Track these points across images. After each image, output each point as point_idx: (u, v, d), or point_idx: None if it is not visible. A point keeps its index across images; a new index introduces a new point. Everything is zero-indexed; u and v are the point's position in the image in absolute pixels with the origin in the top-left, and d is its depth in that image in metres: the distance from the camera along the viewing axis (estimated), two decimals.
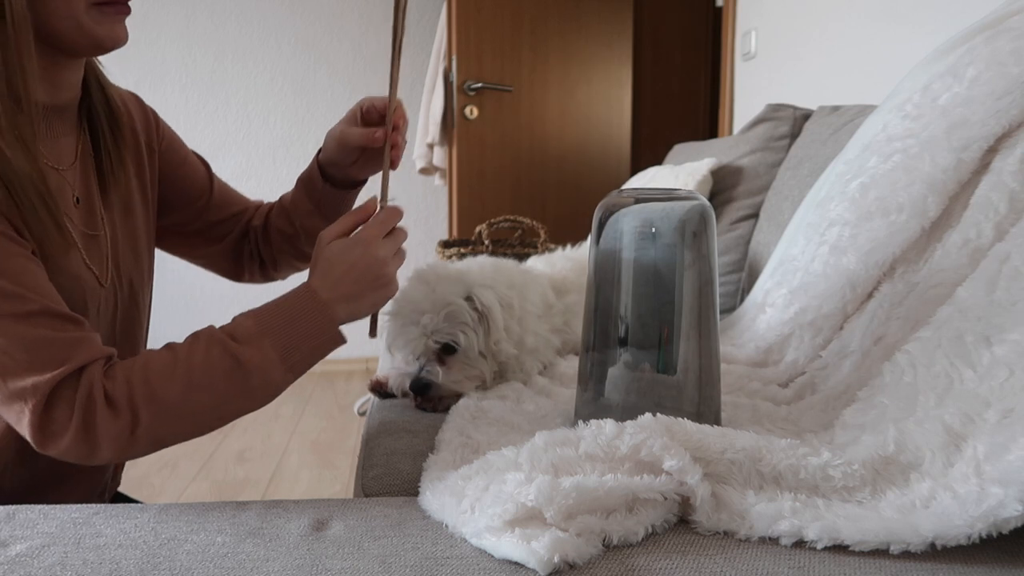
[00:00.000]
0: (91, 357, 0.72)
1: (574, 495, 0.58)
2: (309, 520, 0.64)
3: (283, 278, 1.14)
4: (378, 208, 0.86)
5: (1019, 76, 0.89)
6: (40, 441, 0.70)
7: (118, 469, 1.01)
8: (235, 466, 2.52)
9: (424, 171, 3.51)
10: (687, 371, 0.80)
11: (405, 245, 0.87)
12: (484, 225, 2.34)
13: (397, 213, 0.85)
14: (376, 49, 3.69)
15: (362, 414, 2.94)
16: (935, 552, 0.56)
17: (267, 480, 2.41)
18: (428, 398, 1.02)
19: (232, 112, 3.61)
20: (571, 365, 1.15)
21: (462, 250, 2.34)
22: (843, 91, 2.03)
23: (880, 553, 0.56)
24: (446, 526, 0.62)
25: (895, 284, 0.96)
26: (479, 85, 3.19)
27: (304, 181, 1.04)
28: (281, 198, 1.09)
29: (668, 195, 0.85)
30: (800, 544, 0.58)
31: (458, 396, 1.01)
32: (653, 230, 0.80)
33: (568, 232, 2.13)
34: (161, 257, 1.03)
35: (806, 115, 1.80)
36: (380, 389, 1.12)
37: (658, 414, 0.68)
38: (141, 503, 0.84)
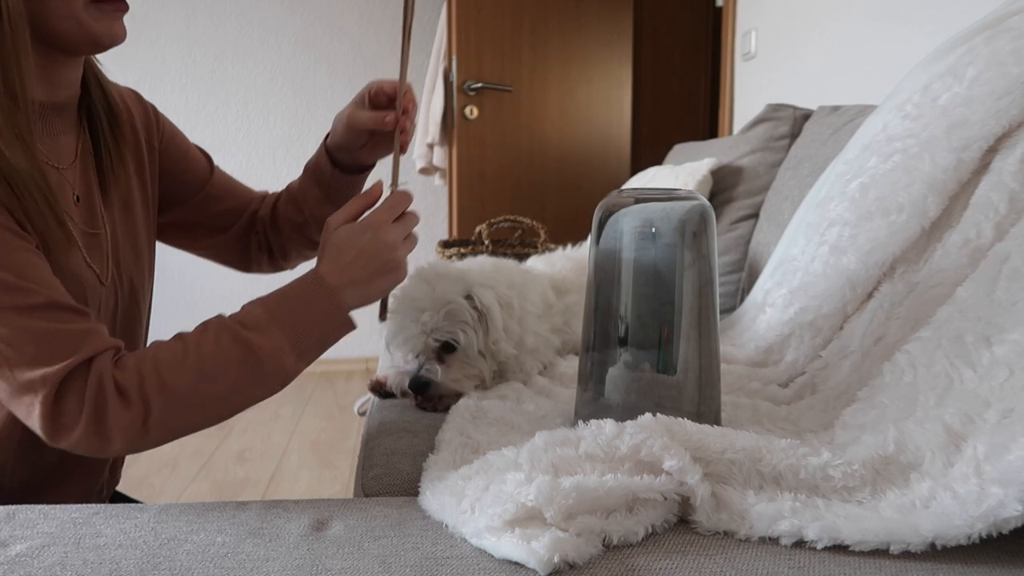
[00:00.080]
0: (99, 348, 0.71)
1: (574, 495, 0.58)
2: (309, 520, 0.64)
3: (292, 267, 1.14)
4: (388, 192, 0.85)
5: (1019, 76, 0.89)
6: (51, 434, 0.70)
7: (116, 465, 1.01)
8: (235, 466, 2.52)
9: (424, 171, 3.51)
10: (687, 371, 0.80)
11: (416, 230, 0.86)
12: (484, 225, 2.34)
13: (407, 197, 0.84)
14: (376, 49, 3.69)
15: (362, 414, 2.94)
16: (935, 552, 0.56)
17: (267, 480, 2.41)
18: (427, 397, 1.02)
19: (232, 112, 3.61)
20: (571, 365, 1.15)
21: (462, 250, 2.34)
22: (843, 91, 2.03)
23: (880, 553, 0.56)
24: (446, 526, 0.62)
25: (895, 284, 0.96)
26: (479, 85, 3.19)
27: (311, 168, 1.03)
28: (288, 187, 1.09)
29: (668, 195, 0.85)
30: (800, 544, 0.58)
31: (458, 396, 1.01)
32: (653, 230, 0.80)
33: (568, 232, 2.13)
34: (161, 256, 1.03)
35: (806, 115, 1.80)
36: (380, 389, 1.12)
37: (658, 414, 0.68)
38: (141, 503, 0.84)
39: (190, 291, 3.45)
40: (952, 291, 0.79)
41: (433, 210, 3.79)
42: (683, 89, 3.94)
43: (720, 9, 3.02)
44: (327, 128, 1.02)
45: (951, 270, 0.84)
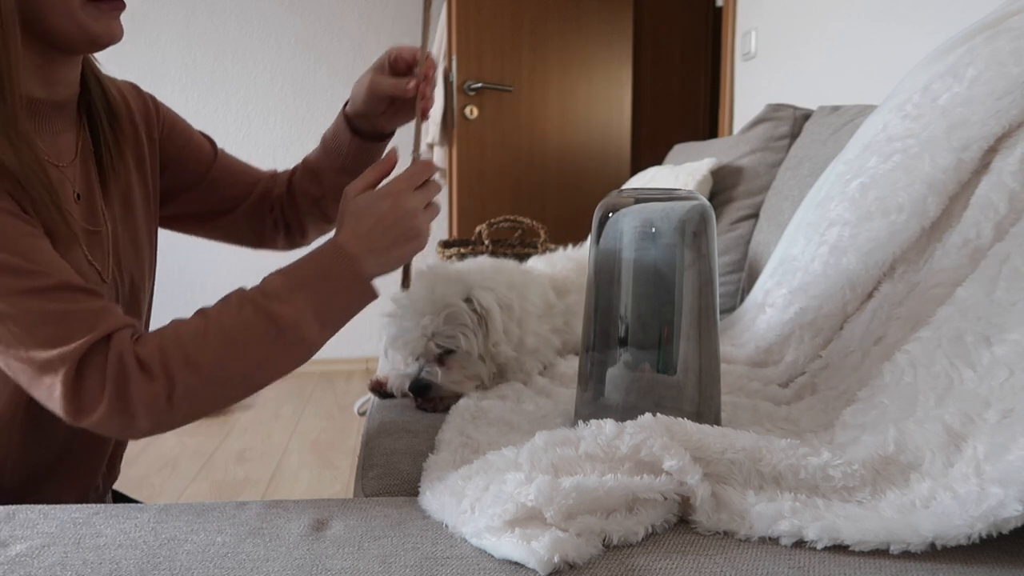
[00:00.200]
0: (117, 325, 0.71)
1: (574, 495, 0.58)
2: (309, 520, 0.64)
3: (308, 243, 1.13)
4: (399, 160, 0.84)
5: (1019, 76, 0.89)
6: (74, 413, 0.69)
7: (115, 460, 1.00)
8: (235, 466, 2.52)
9: None
10: (687, 371, 0.80)
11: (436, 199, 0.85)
12: (484, 225, 2.33)
13: (428, 166, 0.83)
14: (376, 49, 3.69)
15: (362, 414, 2.94)
16: (935, 552, 0.56)
17: (267, 480, 2.41)
18: (428, 399, 1.02)
19: (232, 112, 3.61)
20: (571, 365, 1.15)
21: (462, 250, 2.34)
22: (843, 91, 2.03)
23: (880, 553, 0.56)
24: (446, 526, 0.62)
25: (895, 284, 0.96)
26: (479, 85, 3.19)
27: (329, 138, 1.03)
28: (304, 160, 1.08)
29: (668, 195, 0.85)
30: (800, 544, 0.58)
31: (458, 396, 1.01)
32: (653, 230, 0.80)
33: (568, 232, 2.13)
34: (161, 253, 1.03)
35: (806, 115, 1.80)
36: (380, 389, 1.12)
37: (658, 414, 0.68)
38: (141, 503, 0.84)
39: (190, 289, 3.45)
40: (952, 291, 0.79)
41: None
42: (683, 89, 3.94)
43: (720, 9, 3.02)
44: (327, 128, 1.01)
45: (951, 270, 0.84)
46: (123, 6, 0.80)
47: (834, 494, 0.63)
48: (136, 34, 3.42)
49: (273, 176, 1.11)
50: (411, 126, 0.91)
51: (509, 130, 3.32)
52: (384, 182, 0.83)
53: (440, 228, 3.75)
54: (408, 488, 0.79)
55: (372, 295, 0.80)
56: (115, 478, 1.03)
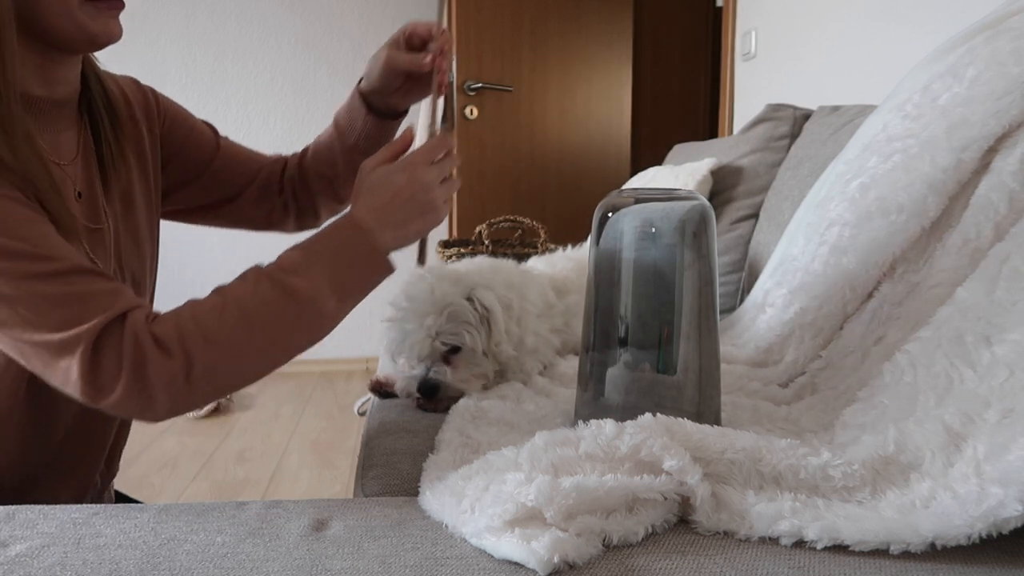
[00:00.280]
0: (131, 304, 0.71)
1: (574, 495, 0.58)
2: (309, 520, 0.64)
3: (320, 225, 1.12)
4: (429, 135, 0.85)
5: (1019, 76, 0.89)
6: (92, 394, 0.68)
7: (114, 456, 1.00)
8: (235, 466, 2.52)
9: None
10: (687, 371, 0.80)
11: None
12: (484, 225, 2.34)
13: (444, 141, 0.83)
14: (376, 49, 3.69)
15: (362, 414, 2.94)
16: (935, 552, 0.56)
17: (267, 480, 2.41)
18: (436, 399, 1.01)
19: (232, 112, 3.61)
20: (571, 365, 1.15)
21: (462, 250, 2.34)
22: (843, 91, 2.03)
23: (880, 553, 0.56)
24: (446, 526, 0.62)
25: (895, 284, 0.96)
26: (479, 85, 3.19)
27: (342, 117, 1.02)
28: (315, 142, 1.07)
29: (668, 195, 0.85)
30: (800, 544, 0.58)
31: (459, 396, 1.01)
32: (653, 230, 0.80)
33: (568, 232, 2.13)
34: (162, 254, 1.03)
35: (806, 115, 1.80)
36: (380, 389, 1.12)
37: (658, 414, 0.68)
38: (141, 503, 0.84)
39: (191, 288, 3.44)
40: (952, 291, 0.79)
41: None
42: (683, 89, 3.94)
43: (720, 9, 3.03)
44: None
45: (951, 270, 0.84)
46: (122, 5, 0.80)
47: (834, 494, 0.63)
48: (136, 34, 3.42)
49: (279, 160, 1.11)
50: (414, 117, 0.91)
51: (509, 130, 3.32)
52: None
53: (440, 228, 3.75)
54: (408, 488, 0.79)
55: (389, 268, 0.80)
56: (114, 475, 1.03)
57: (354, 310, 0.80)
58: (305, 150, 1.10)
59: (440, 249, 2.44)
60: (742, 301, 1.51)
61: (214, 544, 0.59)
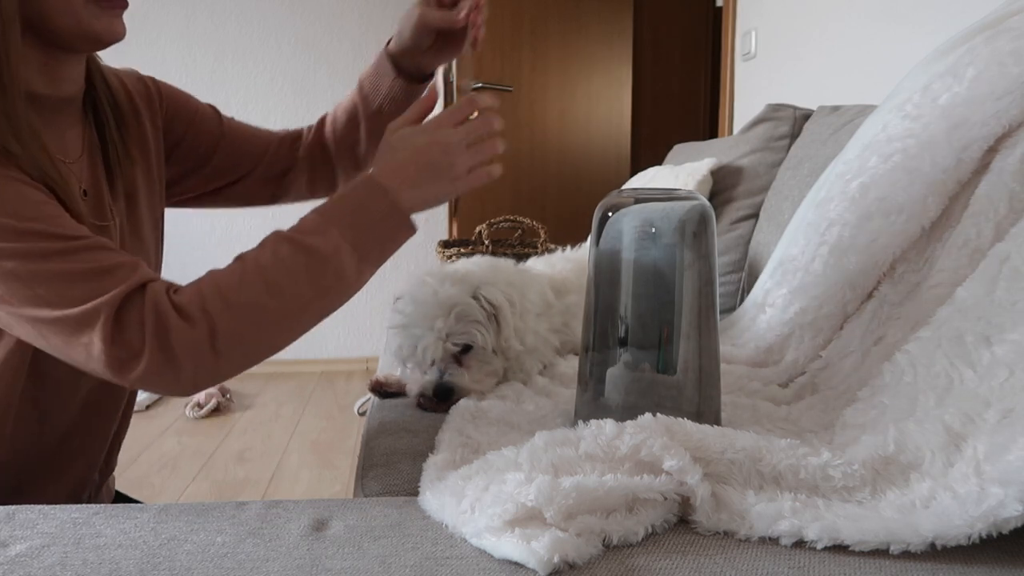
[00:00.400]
0: (150, 276, 0.70)
1: (574, 495, 0.58)
2: (309, 520, 0.64)
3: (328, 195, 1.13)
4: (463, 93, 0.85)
5: (1019, 76, 0.89)
6: (117, 367, 0.67)
7: (112, 452, 1.00)
8: (235, 466, 2.52)
9: None
10: (687, 371, 0.80)
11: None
12: (484, 225, 2.34)
13: (471, 103, 0.81)
14: (376, 49, 3.68)
15: (362, 414, 2.94)
16: (935, 552, 0.56)
17: (267, 480, 2.41)
18: (451, 401, 0.99)
19: (232, 112, 3.56)
20: (571, 365, 1.15)
21: (462, 250, 2.34)
22: (843, 91, 2.03)
23: (880, 553, 0.56)
24: (446, 526, 0.62)
25: (895, 284, 0.96)
26: (479, 85, 3.19)
27: (366, 81, 1.01)
28: (334, 111, 1.07)
29: (668, 195, 0.85)
30: (800, 544, 0.58)
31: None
32: (653, 230, 0.80)
33: (568, 232, 2.13)
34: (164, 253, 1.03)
35: (806, 115, 1.80)
36: (380, 389, 1.12)
37: (658, 414, 0.68)
38: (141, 503, 0.84)
39: None
40: (952, 291, 0.79)
41: (433, 210, 3.78)
42: (683, 89, 3.94)
43: (720, 9, 3.03)
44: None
45: (951, 270, 0.84)
46: (125, 5, 0.80)
47: (834, 494, 0.63)
48: (136, 34, 3.41)
49: (290, 134, 1.10)
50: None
51: (509, 130, 3.29)
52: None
53: (440, 228, 3.75)
54: (408, 488, 0.79)
55: (410, 228, 0.78)
56: (112, 469, 1.03)
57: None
58: (321, 120, 1.08)
59: (440, 249, 2.44)
60: (742, 301, 1.51)
61: (214, 544, 0.59)
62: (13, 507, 0.67)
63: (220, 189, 1.07)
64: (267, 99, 3.63)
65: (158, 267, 0.99)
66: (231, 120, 1.08)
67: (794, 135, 1.79)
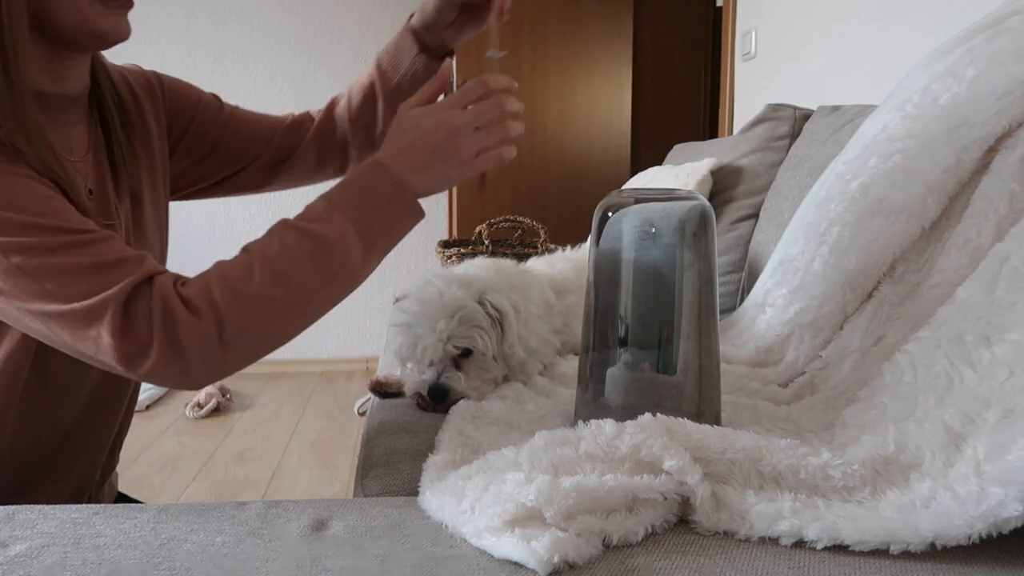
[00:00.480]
0: (157, 268, 0.70)
1: (574, 495, 0.58)
2: (309, 520, 0.64)
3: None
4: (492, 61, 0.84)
5: (1019, 76, 0.89)
6: (127, 360, 0.67)
7: (115, 449, 1.00)
8: (235, 466, 2.52)
9: None
10: (687, 371, 0.80)
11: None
12: (484, 225, 2.34)
13: (481, 84, 0.78)
14: (376, 49, 3.68)
15: (362, 414, 2.94)
16: (935, 552, 0.56)
17: (267, 480, 2.41)
18: (446, 404, 0.99)
19: None
20: (571, 365, 1.14)
21: (462, 250, 2.34)
22: (843, 91, 2.03)
23: (880, 553, 0.56)
24: (446, 526, 0.62)
25: (895, 284, 0.96)
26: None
27: (384, 58, 1.00)
28: (349, 92, 1.05)
29: (668, 195, 0.85)
30: (800, 544, 0.58)
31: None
32: (653, 230, 0.80)
33: (568, 232, 2.13)
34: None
35: (806, 115, 1.80)
36: (380, 389, 1.12)
37: (658, 414, 0.68)
38: (141, 503, 0.84)
39: None
40: (952, 291, 0.79)
41: (433, 210, 3.79)
42: (683, 89, 3.94)
43: (720, 9, 3.03)
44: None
45: (951, 270, 0.84)
46: (131, 4, 0.80)
47: (834, 494, 0.63)
48: (136, 34, 3.40)
49: (297, 120, 1.09)
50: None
51: None
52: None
53: (440, 228, 3.75)
54: (408, 488, 0.79)
55: (417, 212, 0.77)
56: (113, 467, 1.03)
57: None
58: (332, 102, 1.07)
59: (440, 249, 2.44)
60: (742, 301, 1.51)
61: (214, 544, 0.59)
62: (13, 507, 0.67)
63: (227, 178, 1.07)
64: (267, 99, 3.63)
65: (163, 265, 0.99)
66: (235, 109, 1.07)
67: (794, 135, 1.79)
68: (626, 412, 0.72)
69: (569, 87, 3.41)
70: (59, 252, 0.68)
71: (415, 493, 0.72)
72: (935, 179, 0.92)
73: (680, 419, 0.68)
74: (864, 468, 0.64)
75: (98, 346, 0.67)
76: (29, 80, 0.74)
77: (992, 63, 0.92)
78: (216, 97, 1.07)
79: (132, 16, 0.79)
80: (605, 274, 0.82)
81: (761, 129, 1.84)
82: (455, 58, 0.99)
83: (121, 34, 0.80)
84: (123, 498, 1.08)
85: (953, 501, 0.57)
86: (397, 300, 1.06)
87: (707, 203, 0.82)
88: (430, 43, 0.97)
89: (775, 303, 1.18)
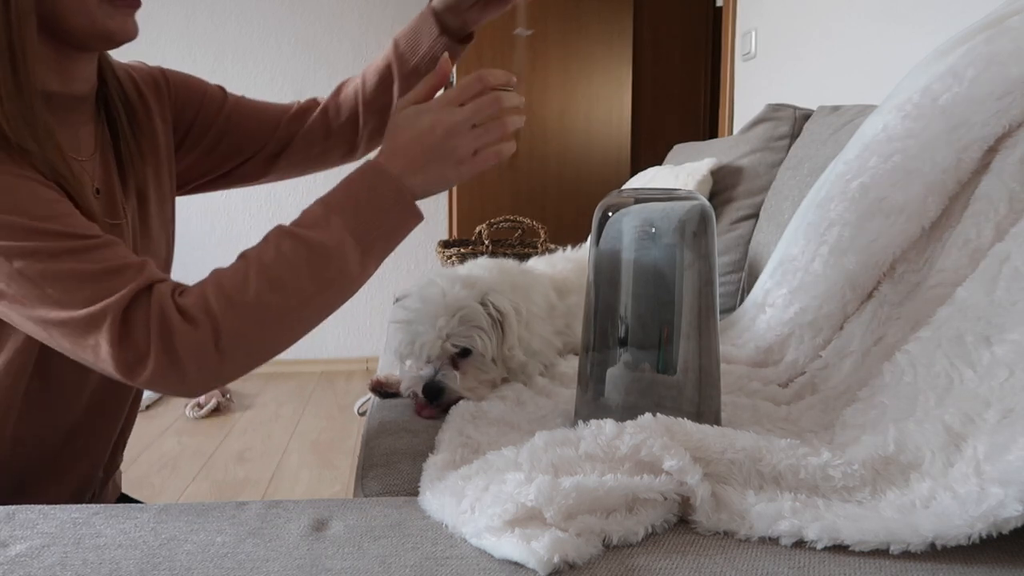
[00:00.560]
0: (156, 277, 0.70)
1: (574, 495, 0.58)
2: (309, 520, 0.64)
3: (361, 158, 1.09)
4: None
5: (1019, 76, 0.89)
6: (125, 369, 0.67)
7: (118, 448, 1.00)
8: (235, 466, 2.52)
9: None
10: (687, 371, 0.80)
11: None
12: (484, 225, 2.34)
13: (480, 81, 0.76)
14: (376, 49, 3.69)
15: (362, 414, 2.94)
16: (935, 552, 0.56)
17: (267, 480, 2.41)
18: (438, 404, 0.99)
19: None
20: (571, 365, 1.14)
21: (462, 250, 2.34)
22: (843, 91, 2.03)
23: (880, 553, 0.56)
24: (446, 526, 0.62)
25: (895, 284, 0.96)
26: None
27: (404, 40, 0.99)
28: (363, 75, 1.04)
29: (668, 195, 0.85)
30: (800, 544, 0.58)
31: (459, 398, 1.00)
32: (653, 230, 0.80)
33: (568, 232, 2.13)
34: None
35: (806, 115, 1.80)
36: (380, 389, 1.12)
37: (658, 414, 0.68)
38: (141, 503, 0.84)
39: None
40: (952, 291, 0.79)
41: (433, 210, 3.79)
42: (683, 89, 3.94)
43: (720, 9, 3.03)
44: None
45: (951, 270, 0.84)
46: (138, 4, 0.80)
47: (834, 494, 0.63)
48: None
49: (303, 108, 1.08)
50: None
51: None
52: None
53: (440, 228, 3.75)
54: (408, 488, 0.79)
55: (415, 215, 0.76)
56: (116, 467, 1.03)
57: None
58: (341, 86, 1.06)
59: (440, 249, 2.44)
60: (742, 301, 1.51)
61: (214, 544, 0.59)
62: (13, 507, 0.67)
63: (233, 169, 1.06)
64: (267, 99, 3.63)
65: (168, 264, 0.99)
66: (240, 99, 1.06)
67: (794, 135, 1.79)
68: (626, 412, 0.72)
69: (569, 87, 3.41)
70: (61, 257, 0.68)
71: (415, 493, 0.72)
72: (935, 179, 0.92)
73: (680, 419, 0.68)
74: (864, 468, 0.64)
75: (97, 354, 0.68)
76: (38, 81, 0.74)
77: (992, 63, 0.92)
78: (221, 89, 1.06)
79: None
80: (605, 274, 0.82)
81: (761, 129, 1.84)
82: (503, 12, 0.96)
83: (129, 34, 0.80)
84: (123, 498, 1.08)
85: (953, 501, 0.57)
86: (397, 300, 1.06)
87: (707, 203, 0.82)
88: (452, 25, 0.96)
89: (775, 303, 1.18)
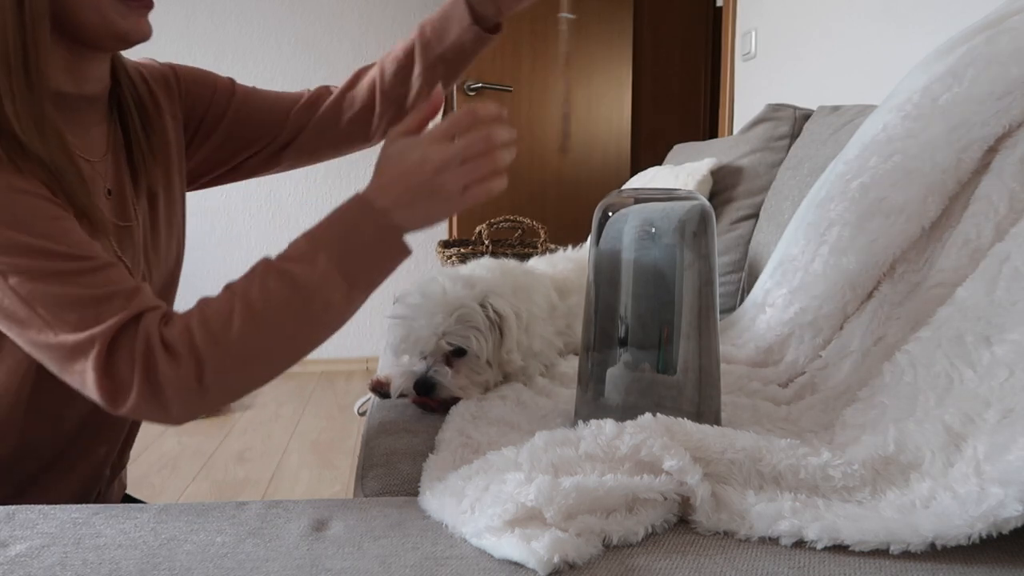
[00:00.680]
0: (147, 305, 0.70)
1: (574, 495, 0.58)
2: (309, 520, 0.64)
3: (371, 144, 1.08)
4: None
5: (1019, 76, 0.89)
6: (109, 398, 0.68)
7: (125, 448, 1.00)
8: (235, 466, 2.52)
9: None
10: (687, 371, 0.80)
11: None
12: (484, 225, 2.34)
13: (469, 115, 0.75)
14: (376, 49, 3.69)
15: (362, 414, 2.94)
16: (935, 552, 0.56)
17: (267, 480, 2.41)
18: (432, 398, 1.01)
19: None
20: (571, 365, 1.14)
21: (462, 250, 2.34)
22: (843, 91, 2.03)
23: (880, 553, 0.56)
24: (446, 526, 0.62)
25: (895, 284, 0.96)
26: (479, 85, 3.19)
27: (431, 26, 0.97)
28: (381, 64, 1.02)
29: (668, 195, 0.85)
30: (800, 544, 0.58)
31: (456, 398, 1.00)
32: (653, 230, 0.80)
33: (568, 232, 2.13)
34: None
35: (806, 115, 1.80)
36: (380, 389, 1.12)
37: (658, 414, 0.68)
38: (141, 503, 0.84)
39: (192, 287, 3.45)
40: (952, 291, 0.79)
41: None
42: (683, 89, 3.94)
43: (720, 9, 3.03)
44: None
45: (951, 270, 0.84)
46: (151, 4, 0.80)
47: (834, 494, 0.63)
48: None
49: (313, 96, 1.07)
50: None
51: None
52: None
53: (440, 228, 3.75)
54: (408, 488, 0.79)
55: (403, 250, 0.75)
56: (123, 465, 1.03)
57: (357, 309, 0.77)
58: (357, 75, 1.05)
59: (440, 249, 2.44)
60: (742, 301, 1.51)
61: (214, 544, 0.59)
62: (13, 507, 0.67)
63: (243, 162, 1.06)
64: None
65: (179, 264, 0.99)
66: (250, 91, 1.06)
67: (794, 135, 1.79)
68: (626, 412, 0.72)
69: (569, 87, 3.41)
70: (54, 279, 0.67)
71: (415, 493, 0.72)
72: (935, 179, 0.92)
73: (680, 419, 0.68)
74: (864, 468, 0.64)
75: (83, 381, 0.68)
76: (50, 82, 0.74)
77: (992, 63, 0.92)
78: (231, 81, 1.06)
79: None
80: (605, 274, 0.82)
81: (761, 129, 1.84)
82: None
83: (142, 34, 0.79)
84: (125, 498, 1.08)
85: (953, 501, 0.57)
86: (397, 300, 1.06)
87: (707, 203, 0.82)
88: (485, 11, 0.94)
89: (775, 303, 1.18)
